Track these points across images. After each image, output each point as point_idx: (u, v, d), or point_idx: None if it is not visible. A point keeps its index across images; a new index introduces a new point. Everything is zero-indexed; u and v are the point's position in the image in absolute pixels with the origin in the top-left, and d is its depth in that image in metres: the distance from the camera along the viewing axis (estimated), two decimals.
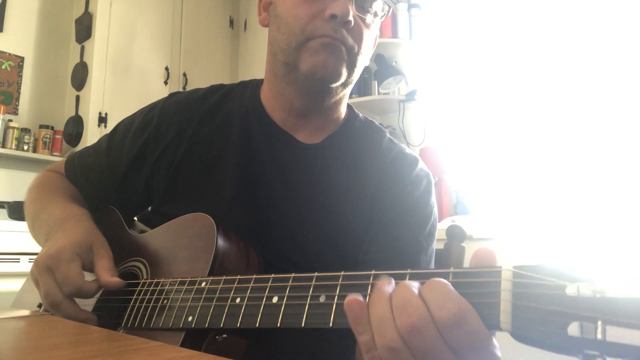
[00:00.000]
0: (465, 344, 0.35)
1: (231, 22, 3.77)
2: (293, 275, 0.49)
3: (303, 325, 0.45)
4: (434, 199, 0.78)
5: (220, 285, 0.55)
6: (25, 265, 2.25)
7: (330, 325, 0.43)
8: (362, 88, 2.81)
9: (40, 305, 0.76)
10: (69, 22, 3.19)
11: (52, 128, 2.98)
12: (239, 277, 0.54)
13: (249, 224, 0.72)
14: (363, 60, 0.73)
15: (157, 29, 3.28)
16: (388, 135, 0.83)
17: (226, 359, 0.38)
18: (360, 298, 0.40)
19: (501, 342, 0.39)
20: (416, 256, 0.71)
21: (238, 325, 0.50)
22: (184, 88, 3.37)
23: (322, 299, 0.45)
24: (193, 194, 0.75)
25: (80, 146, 2.92)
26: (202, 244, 0.62)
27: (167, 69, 3.28)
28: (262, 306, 0.49)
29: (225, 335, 0.56)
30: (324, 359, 0.71)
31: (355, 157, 0.77)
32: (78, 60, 3.03)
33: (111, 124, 2.91)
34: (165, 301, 0.59)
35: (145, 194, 0.81)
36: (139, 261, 0.71)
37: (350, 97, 2.78)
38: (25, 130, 2.87)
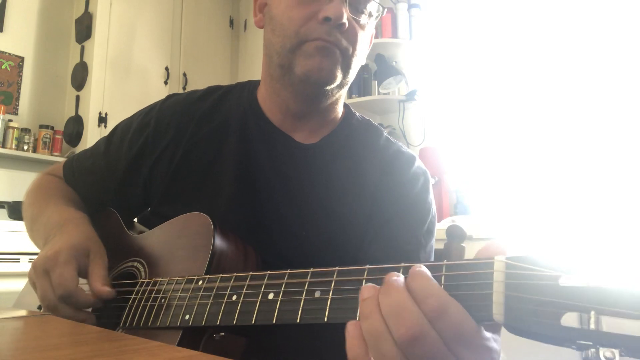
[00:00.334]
0: (452, 336, 0.35)
1: (231, 22, 3.77)
2: (288, 271, 0.49)
3: (298, 320, 0.45)
4: (431, 196, 0.78)
5: (217, 284, 0.55)
6: (25, 265, 2.25)
7: (325, 320, 0.43)
8: (362, 88, 2.81)
9: (40, 307, 0.77)
10: (69, 22, 3.19)
11: (52, 128, 2.98)
12: (235, 274, 0.54)
13: (248, 224, 0.72)
14: (358, 61, 0.73)
15: (157, 29, 3.28)
16: (385, 133, 0.83)
17: (226, 359, 0.38)
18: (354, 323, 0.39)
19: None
20: (415, 253, 0.71)
21: (234, 322, 0.50)
22: (184, 88, 3.37)
23: (317, 294, 0.45)
24: (192, 195, 0.75)
25: (80, 146, 2.93)
26: (199, 243, 0.62)
27: (167, 69, 3.29)
28: (258, 303, 0.49)
29: (222, 334, 0.56)
30: (323, 357, 0.71)
31: (353, 156, 0.77)
32: (78, 60, 3.03)
33: (111, 124, 2.91)
34: (162, 300, 0.59)
35: (143, 195, 0.81)
36: (137, 261, 0.71)
37: (350, 97, 2.80)
38: (25, 130, 2.88)
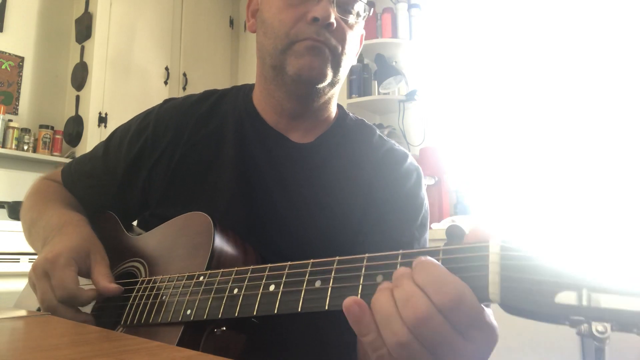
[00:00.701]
0: (467, 322, 0.36)
1: (231, 22, 3.77)
2: (289, 263, 0.50)
3: (299, 310, 0.46)
4: (424, 192, 0.80)
5: (218, 278, 0.55)
6: (25, 265, 2.25)
7: (326, 307, 0.44)
8: (362, 88, 2.81)
9: (39, 309, 0.77)
10: (69, 22, 3.19)
11: (52, 128, 2.98)
12: (236, 269, 0.55)
13: (247, 223, 0.73)
14: (348, 60, 0.75)
15: (157, 29, 3.28)
16: (378, 132, 0.85)
17: (226, 358, 0.38)
18: (358, 299, 0.40)
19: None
20: (410, 246, 0.73)
21: (236, 314, 0.51)
22: (184, 88, 3.37)
23: (317, 284, 0.46)
24: (191, 196, 0.76)
25: (80, 146, 2.93)
26: (199, 241, 0.63)
27: (167, 69, 3.29)
28: (260, 295, 0.50)
29: (224, 328, 0.56)
30: (325, 356, 0.71)
31: (348, 154, 0.79)
32: (78, 60, 3.03)
33: (111, 124, 2.91)
34: (163, 297, 0.60)
35: (142, 197, 0.82)
36: (137, 261, 0.72)
37: (350, 97, 2.81)
38: (25, 130, 2.88)
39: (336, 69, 0.73)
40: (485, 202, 2.42)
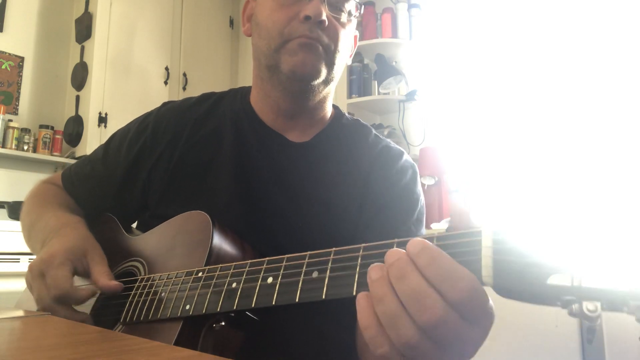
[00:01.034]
0: (479, 312, 0.37)
1: (231, 22, 3.77)
2: (286, 256, 0.51)
3: (297, 300, 0.47)
4: (420, 188, 0.81)
5: (217, 273, 0.56)
6: (25, 265, 2.25)
7: (323, 297, 0.45)
8: (362, 88, 2.81)
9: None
10: (69, 22, 3.19)
11: (52, 128, 2.98)
12: (234, 263, 0.55)
13: (247, 221, 0.74)
14: (341, 58, 0.76)
15: (157, 29, 3.28)
16: (374, 131, 0.86)
17: (226, 359, 0.38)
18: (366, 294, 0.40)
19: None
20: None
21: (234, 307, 0.51)
22: (184, 88, 3.37)
23: (314, 275, 0.47)
24: (190, 196, 0.77)
25: (80, 146, 2.93)
26: (198, 238, 0.63)
27: (167, 69, 3.29)
28: (258, 287, 0.51)
29: (222, 323, 0.57)
30: (324, 355, 0.72)
31: (344, 152, 0.80)
32: (78, 60, 3.03)
33: (111, 124, 2.91)
34: (162, 294, 0.60)
35: (142, 199, 0.83)
36: (137, 261, 0.72)
37: (350, 97, 2.81)
38: (25, 130, 2.88)
39: (330, 66, 0.74)
40: (485, 202, 2.42)
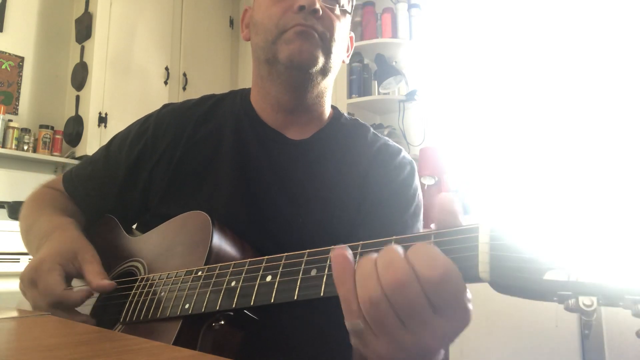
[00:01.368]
0: (447, 301, 0.37)
1: (231, 22, 3.77)
2: (285, 254, 0.51)
3: (296, 297, 0.47)
4: (417, 183, 0.82)
5: (216, 272, 0.56)
6: (25, 265, 2.25)
7: (322, 294, 0.45)
8: (362, 88, 2.81)
9: None
10: (69, 22, 3.19)
11: (52, 128, 2.98)
12: (234, 262, 0.56)
13: (247, 220, 0.74)
14: (338, 48, 0.77)
15: (157, 29, 3.28)
16: (372, 130, 0.87)
17: (226, 359, 0.38)
18: (349, 252, 0.41)
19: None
20: (402, 234, 0.74)
21: (234, 305, 0.51)
22: (184, 88, 3.37)
23: (313, 272, 0.47)
24: (190, 195, 0.78)
25: (80, 146, 2.93)
26: (197, 238, 0.64)
27: (167, 69, 3.28)
28: (257, 285, 0.51)
29: (222, 322, 0.57)
30: (324, 355, 0.72)
31: (343, 149, 0.81)
32: (78, 60, 3.03)
33: (111, 124, 2.91)
34: (162, 293, 0.60)
35: (143, 200, 0.83)
36: (137, 261, 0.72)
37: (350, 97, 2.81)
38: (25, 130, 2.87)
39: (327, 54, 0.75)
40: (485, 202, 2.42)
